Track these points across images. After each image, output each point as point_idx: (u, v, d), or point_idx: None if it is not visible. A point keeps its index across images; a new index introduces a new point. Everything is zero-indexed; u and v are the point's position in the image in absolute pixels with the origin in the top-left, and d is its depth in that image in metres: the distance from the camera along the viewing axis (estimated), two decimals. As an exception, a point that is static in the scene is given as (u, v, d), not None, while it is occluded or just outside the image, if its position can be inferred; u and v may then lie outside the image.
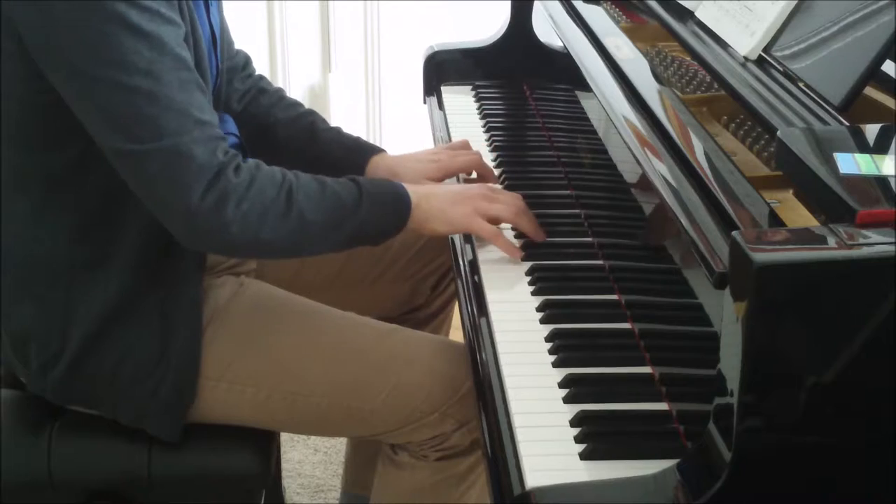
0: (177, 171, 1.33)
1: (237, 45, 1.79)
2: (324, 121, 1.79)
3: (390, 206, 1.48)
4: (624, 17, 1.85)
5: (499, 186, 1.73)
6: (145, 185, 1.36)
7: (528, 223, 1.56)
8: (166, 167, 1.33)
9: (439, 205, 1.51)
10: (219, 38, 1.56)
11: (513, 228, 1.59)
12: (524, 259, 1.53)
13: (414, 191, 1.50)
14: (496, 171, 1.79)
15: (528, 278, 1.49)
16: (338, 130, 1.77)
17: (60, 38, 1.30)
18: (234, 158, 1.38)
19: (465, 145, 1.80)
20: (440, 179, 1.71)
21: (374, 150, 1.75)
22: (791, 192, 1.15)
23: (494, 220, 1.54)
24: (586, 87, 1.58)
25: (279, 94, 1.80)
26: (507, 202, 1.55)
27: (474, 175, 1.76)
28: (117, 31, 1.29)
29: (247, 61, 1.81)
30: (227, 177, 1.35)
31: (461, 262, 1.56)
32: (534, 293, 1.46)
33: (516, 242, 1.56)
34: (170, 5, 1.34)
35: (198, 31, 1.43)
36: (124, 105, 1.31)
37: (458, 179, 1.75)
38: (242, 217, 1.36)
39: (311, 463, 2.40)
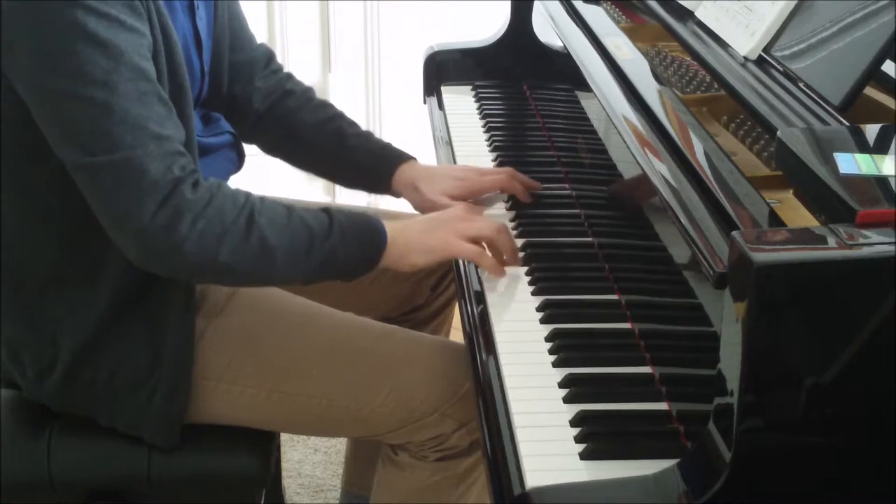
0: (129, 185, 1.28)
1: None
2: (352, 124, 1.74)
3: (364, 237, 1.42)
4: (624, 17, 1.85)
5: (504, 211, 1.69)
6: (99, 199, 1.32)
7: (508, 243, 1.50)
8: (118, 181, 1.28)
9: (416, 236, 1.45)
10: (205, 39, 1.54)
11: (516, 228, 1.59)
12: (524, 261, 1.53)
13: (390, 226, 1.44)
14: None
15: (528, 278, 1.49)
16: (366, 136, 1.73)
17: (20, 46, 1.28)
18: (191, 175, 1.32)
19: (496, 171, 1.72)
20: (462, 198, 1.65)
21: (401, 159, 1.70)
22: (791, 192, 1.15)
23: (476, 241, 1.48)
24: (586, 87, 1.57)
25: (307, 95, 1.76)
26: (487, 221, 1.50)
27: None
28: (74, 40, 1.25)
29: (270, 57, 1.76)
30: (182, 193, 1.30)
31: (461, 263, 1.55)
32: (534, 293, 1.46)
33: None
34: (134, 13, 1.30)
35: (171, 37, 1.38)
36: (79, 116, 1.28)
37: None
38: (198, 236, 1.30)
39: (311, 463, 2.40)
